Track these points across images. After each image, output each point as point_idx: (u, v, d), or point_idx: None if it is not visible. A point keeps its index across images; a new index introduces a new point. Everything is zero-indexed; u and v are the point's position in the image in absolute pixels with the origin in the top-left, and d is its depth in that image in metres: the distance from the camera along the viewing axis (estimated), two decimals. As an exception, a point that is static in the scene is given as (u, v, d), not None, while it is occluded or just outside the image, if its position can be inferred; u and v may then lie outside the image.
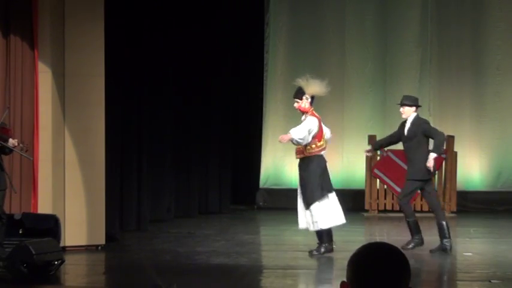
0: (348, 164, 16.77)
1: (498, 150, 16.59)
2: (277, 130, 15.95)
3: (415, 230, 10.94)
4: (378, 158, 15.61)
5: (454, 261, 11.00)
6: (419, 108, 11.19)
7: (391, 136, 11.59)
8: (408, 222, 10.97)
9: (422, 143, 10.89)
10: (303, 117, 10.71)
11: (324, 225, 10.57)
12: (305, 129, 10.51)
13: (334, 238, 10.82)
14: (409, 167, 11.06)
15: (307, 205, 10.55)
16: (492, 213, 15.82)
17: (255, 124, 16.33)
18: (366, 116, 16.72)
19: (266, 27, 16.95)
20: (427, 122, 11.21)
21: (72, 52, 10.90)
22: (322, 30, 16.95)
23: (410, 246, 10.78)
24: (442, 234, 10.79)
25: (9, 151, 9.58)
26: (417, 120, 10.97)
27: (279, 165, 16.41)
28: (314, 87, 10.65)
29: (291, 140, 10.55)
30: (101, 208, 11.14)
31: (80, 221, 10.92)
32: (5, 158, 9.75)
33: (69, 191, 10.93)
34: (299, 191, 10.81)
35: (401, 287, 2.43)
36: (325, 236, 10.67)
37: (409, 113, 10.96)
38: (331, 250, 10.68)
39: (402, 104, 11.01)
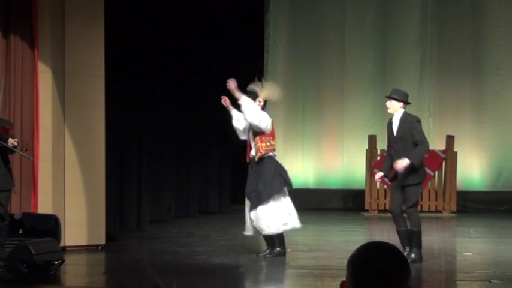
0: (348, 164, 16.78)
1: (498, 150, 16.60)
2: (277, 130, 15.95)
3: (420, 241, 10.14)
4: (378, 158, 15.62)
5: (454, 261, 11.00)
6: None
7: (388, 146, 10.43)
8: (417, 233, 10.03)
9: (412, 143, 9.92)
10: None
11: (275, 230, 10.30)
12: (261, 113, 10.25)
13: (335, 238, 10.78)
14: (403, 171, 9.89)
15: (256, 206, 10.25)
16: (492, 213, 15.83)
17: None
18: (366, 116, 16.72)
19: (266, 27, 16.96)
20: (418, 121, 10.13)
21: (72, 52, 10.90)
22: (322, 30, 16.96)
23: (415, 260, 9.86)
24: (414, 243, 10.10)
25: (10, 151, 9.57)
26: (406, 117, 10.01)
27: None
28: (268, 91, 10.52)
29: (242, 104, 10.21)
30: (101, 208, 11.14)
31: (80, 221, 10.92)
32: (10, 159, 9.74)
33: (69, 191, 10.93)
34: (249, 193, 10.44)
35: (401, 287, 2.43)
36: (276, 239, 10.38)
37: (395, 108, 10.02)
38: (283, 254, 10.40)
39: (389, 97, 10.09)
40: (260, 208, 10.21)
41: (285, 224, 10.32)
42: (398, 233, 10.10)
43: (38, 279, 8.88)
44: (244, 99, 10.26)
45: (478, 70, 16.74)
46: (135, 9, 12.90)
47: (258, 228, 10.29)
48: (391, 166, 10.07)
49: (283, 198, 10.35)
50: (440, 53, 16.85)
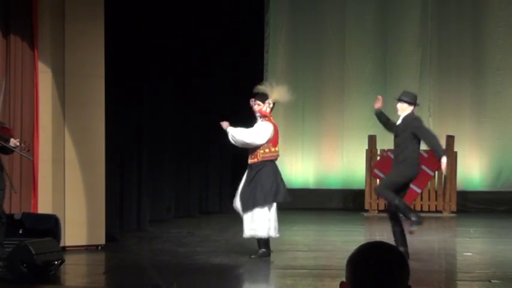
0: (348, 164, 16.78)
1: (498, 150, 16.60)
2: (277, 130, 15.97)
3: (406, 208, 10.15)
4: (378, 158, 15.62)
5: (454, 261, 11.00)
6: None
7: (391, 121, 10.57)
8: (396, 206, 10.06)
9: (410, 139, 10.09)
10: (259, 120, 10.41)
11: (263, 234, 10.29)
12: (249, 134, 10.28)
13: (335, 238, 10.75)
14: (395, 163, 10.28)
15: (247, 209, 10.21)
16: (492, 213, 15.83)
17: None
18: (366, 116, 16.70)
19: (266, 27, 16.96)
20: (418, 119, 10.32)
21: (72, 52, 10.90)
22: (322, 30, 16.96)
23: (414, 223, 9.98)
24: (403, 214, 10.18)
25: (10, 151, 9.57)
26: (409, 116, 10.19)
27: (278, 165, 16.41)
28: (278, 94, 10.47)
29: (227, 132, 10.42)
30: (101, 208, 11.14)
31: (80, 221, 10.92)
32: (5, 158, 9.73)
33: (69, 191, 10.93)
34: (240, 192, 10.39)
35: (400, 286, 2.43)
36: (262, 242, 10.39)
37: (405, 111, 10.22)
38: (268, 255, 10.38)
39: (400, 100, 10.26)
40: (256, 211, 10.21)
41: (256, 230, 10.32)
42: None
43: (38, 279, 8.88)
44: (229, 130, 10.41)
45: (478, 70, 16.74)
46: (135, 9, 12.90)
47: (252, 231, 10.29)
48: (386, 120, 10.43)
49: (274, 206, 10.33)
50: (440, 53, 16.85)
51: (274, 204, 10.33)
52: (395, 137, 10.34)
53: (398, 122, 10.28)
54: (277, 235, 10.42)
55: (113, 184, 11.96)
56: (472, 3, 16.80)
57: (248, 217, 10.28)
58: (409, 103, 10.22)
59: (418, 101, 10.45)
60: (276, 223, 10.35)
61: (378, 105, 10.57)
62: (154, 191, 13.68)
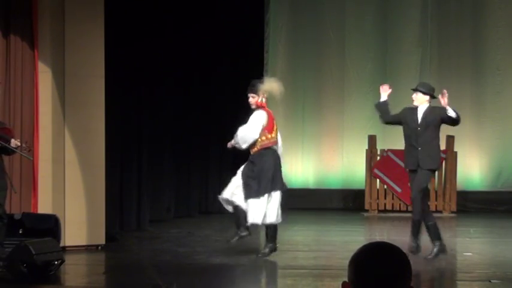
0: (348, 164, 16.77)
1: (498, 150, 16.60)
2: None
3: (436, 233, 10.27)
4: (378, 158, 15.62)
5: (454, 261, 10.99)
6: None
7: (393, 116, 10.53)
8: (428, 227, 10.23)
9: (437, 132, 10.21)
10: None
11: (257, 220, 10.32)
12: (244, 128, 10.39)
13: (335, 238, 10.75)
14: (422, 156, 10.15)
15: (252, 197, 10.29)
16: (492, 213, 15.83)
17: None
18: (366, 116, 16.72)
19: (266, 27, 16.95)
20: (444, 109, 10.29)
21: (72, 52, 10.90)
22: (322, 30, 16.96)
23: (434, 253, 10.23)
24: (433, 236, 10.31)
25: (11, 151, 9.56)
26: (432, 110, 10.25)
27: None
28: (269, 84, 10.51)
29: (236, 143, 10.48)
30: (101, 208, 11.14)
31: (80, 221, 10.92)
32: (5, 158, 9.73)
33: (69, 191, 10.93)
34: (244, 183, 10.46)
35: (403, 287, 2.43)
36: (269, 234, 10.45)
37: (421, 101, 10.22)
38: (274, 250, 10.43)
39: (416, 90, 10.29)
40: (254, 200, 10.25)
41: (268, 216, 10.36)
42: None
43: (38, 279, 8.88)
44: (234, 141, 10.50)
45: (478, 70, 16.74)
46: (135, 9, 12.89)
47: (258, 219, 10.30)
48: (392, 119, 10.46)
49: (278, 193, 10.37)
50: (440, 53, 16.85)
51: (278, 193, 10.35)
52: (418, 130, 10.18)
53: (420, 116, 10.20)
54: (279, 220, 10.42)
55: (113, 184, 11.96)
56: (472, 3, 16.80)
57: (255, 203, 10.29)
58: (424, 93, 10.24)
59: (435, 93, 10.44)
60: (278, 211, 10.36)
61: (387, 91, 10.61)
62: (154, 191, 13.68)
